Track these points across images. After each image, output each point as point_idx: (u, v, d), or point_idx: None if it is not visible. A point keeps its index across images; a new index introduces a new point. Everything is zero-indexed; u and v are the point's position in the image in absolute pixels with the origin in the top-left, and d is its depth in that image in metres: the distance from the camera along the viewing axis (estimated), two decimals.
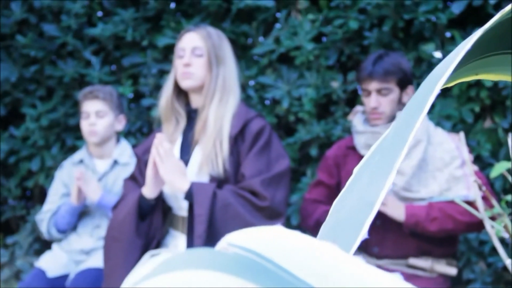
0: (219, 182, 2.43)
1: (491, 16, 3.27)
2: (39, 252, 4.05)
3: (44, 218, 3.12)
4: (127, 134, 3.74)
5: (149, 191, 2.47)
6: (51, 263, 3.04)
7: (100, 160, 3.16)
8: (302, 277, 0.50)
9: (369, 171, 0.68)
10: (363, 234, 0.60)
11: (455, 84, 2.87)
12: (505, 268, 3.38)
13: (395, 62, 2.69)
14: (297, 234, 0.54)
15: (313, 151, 3.54)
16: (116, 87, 3.47)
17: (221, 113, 2.48)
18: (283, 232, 0.55)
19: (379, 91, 2.67)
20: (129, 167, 3.09)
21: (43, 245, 4.09)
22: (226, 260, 0.51)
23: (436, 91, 0.67)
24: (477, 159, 3.29)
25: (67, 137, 3.95)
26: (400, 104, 2.71)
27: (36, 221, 3.27)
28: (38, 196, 4.20)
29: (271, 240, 0.53)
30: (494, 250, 3.38)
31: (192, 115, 2.57)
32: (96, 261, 2.99)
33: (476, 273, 3.34)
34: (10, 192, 4.10)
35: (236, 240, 0.54)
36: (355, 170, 0.73)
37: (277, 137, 2.55)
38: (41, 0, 3.81)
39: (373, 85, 2.67)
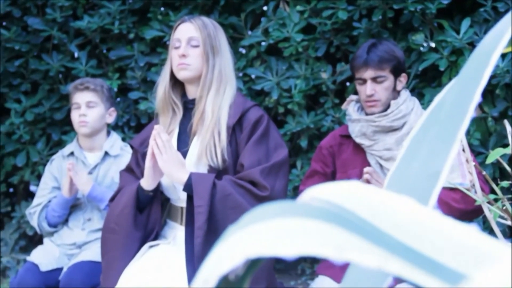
0: (218, 172, 2.42)
1: (479, 5, 3.30)
2: (25, 249, 4.00)
3: (35, 212, 3.09)
4: (114, 127, 3.71)
5: (147, 183, 2.45)
6: (44, 257, 3.00)
7: (91, 153, 3.14)
8: (383, 229, 0.51)
9: (428, 142, 0.69)
10: (432, 203, 0.61)
11: (445, 73, 2.87)
12: None
13: (389, 50, 2.71)
14: (375, 189, 0.55)
15: (303, 143, 3.54)
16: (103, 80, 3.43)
17: (218, 103, 2.46)
18: (362, 186, 0.56)
19: (374, 79, 2.68)
20: (120, 159, 3.08)
21: (29, 241, 4.05)
22: (315, 211, 0.52)
23: (494, 60, 0.67)
24: None
25: (52, 131, 3.90)
26: (395, 92, 2.72)
27: (26, 215, 3.23)
28: (23, 192, 4.15)
29: (352, 194, 0.54)
30: None
31: (188, 105, 2.55)
32: (89, 254, 2.96)
33: None
34: None
35: (319, 194, 0.55)
36: (405, 142, 0.73)
37: (275, 127, 2.54)
38: None
39: (368, 73, 2.68)
